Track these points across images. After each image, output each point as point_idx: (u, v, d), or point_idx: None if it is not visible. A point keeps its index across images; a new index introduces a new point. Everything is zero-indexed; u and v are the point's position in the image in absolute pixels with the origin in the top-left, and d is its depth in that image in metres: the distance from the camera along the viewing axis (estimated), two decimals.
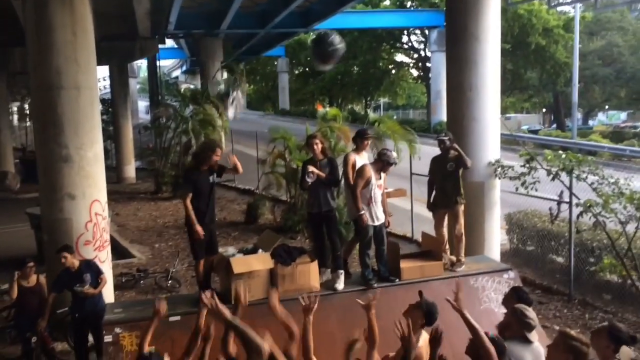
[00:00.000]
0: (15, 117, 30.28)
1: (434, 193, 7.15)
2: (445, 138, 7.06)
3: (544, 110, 43.63)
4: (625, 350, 3.36)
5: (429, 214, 7.36)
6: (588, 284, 8.57)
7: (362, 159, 6.66)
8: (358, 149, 6.73)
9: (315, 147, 6.40)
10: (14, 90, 24.48)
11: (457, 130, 8.34)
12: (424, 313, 4.25)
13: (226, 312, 3.32)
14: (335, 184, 6.49)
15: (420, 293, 4.39)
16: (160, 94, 24.06)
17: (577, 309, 8.11)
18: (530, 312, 4.07)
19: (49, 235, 7.22)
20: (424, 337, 4.27)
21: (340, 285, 6.18)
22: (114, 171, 18.93)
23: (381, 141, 10.58)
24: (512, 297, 4.47)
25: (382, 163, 6.31)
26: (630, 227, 6.95)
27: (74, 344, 6.52)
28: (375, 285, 6.23)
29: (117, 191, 16.82)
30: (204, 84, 22.84)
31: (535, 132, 30.10)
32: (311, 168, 6.21)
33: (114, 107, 20.00)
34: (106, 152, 21.27)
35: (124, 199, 16.26)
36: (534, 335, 4.01)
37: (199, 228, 5.68)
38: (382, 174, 6.39)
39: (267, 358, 3.08)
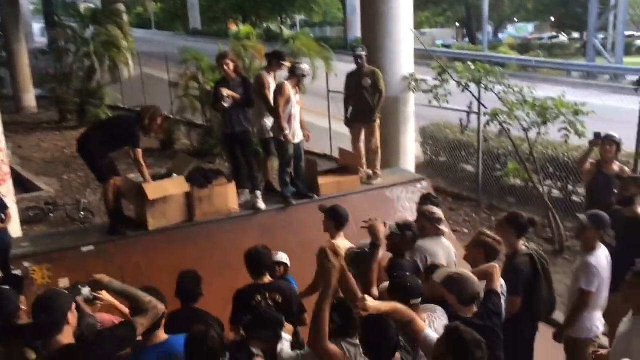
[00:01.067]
0: None
1: (350, 108, 7.17)
2: (362, 53, 7.01)
3: (457, 24, 44.26)
4: (441, 271, 3.59)
5: (347, 132, 7.41)
6: (494, 189, 9.13)
7: (274, 80, 6.50)
8: (271, 69, 6.55)
9: (225, 67, 6.16)
10: None
11: (371, 45, 8.27)
12: (332, 219, 4.48)
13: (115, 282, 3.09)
14: (249, 104, 6.32)
15: (320, 207, 4.65)
16: (56, 15, 22.07)
17: (484, 213, 8.66)
18: (434, 208, 4.41)
19: None
20: (345, 243, 4.45)
21: (261, 204, 6.19)
22: (11, 101, 17.45)
23: (297, 59, 10.37)
24: (424, 203, 4.72)
25: (297, 78, 6.18)
26: (532, 134, 7.33)
27: None
28: (294, 202, 6.30)
29: (17, 122, 15.62)
30: (105, 3, 21.16)
31: (448, 46, 30.60)
32: (226, 92, 5.99)
33: (4, 31, 18.12)
34: (0, 80, 19.66)
35: (25, 130, 15.15)
36: (444, 227, 4.39)
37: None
38: (297, 90, 6.27)
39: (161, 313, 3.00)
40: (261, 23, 42.83)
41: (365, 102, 6.96)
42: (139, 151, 5.47)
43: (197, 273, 3.83)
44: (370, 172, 7.03)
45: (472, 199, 9.12)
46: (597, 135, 5.64)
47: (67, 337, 2.66)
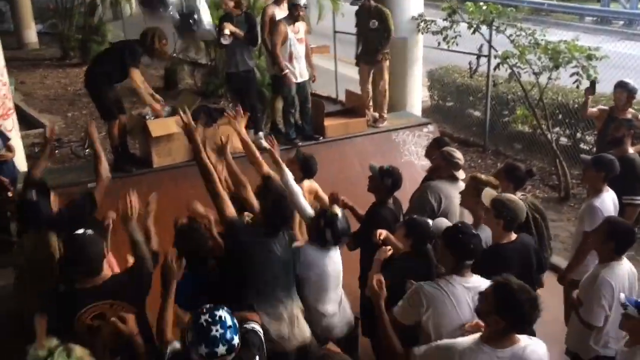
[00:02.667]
0: None
1: (360, 47, 7.01)
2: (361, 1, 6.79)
3: None
4: (488, 191, 3.63)
5: (353, 74, 7.28)
6: (501, 135, 9.05)
7: (283, 13, 6.32)
8: (279, 1, 6.37)
9: (225, 6, 6.03)
10: None
11: None
12: (301, 168, 4.49)
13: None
14: (253, 42, 6.20)
15: (296, 150, 4.72)
16: None
17: (490, 159, 8.62)
18: (457, 153, 4.30)
19: None
20: (308, 186, 4.51)
21: (266, 144, 6.14)
22: (12, 36, 17.12)
23: None
24: (435, 146, 4.66)
25: (293, 9, 5.98)
26: (543, 78, 7.18)
27: None
28: (300, 143, 6.27)
29: (19, 58, 15.38)
30: None
31: None
32: (227, 29, 5.85)
33: None
34: (0, 14, 19.22)
35: (27, 67, 14.93)
36: (460, 174, 4.26)
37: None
38: (302, 28, 6.11)
39: None
40: None
41: (372, 43, 6.81)
42: (137, 71, 5.24)
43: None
44: (376, 114, 6.96)
45: (478, 145, 9.06)
46: (592, 83, 5.76)
47: (106, 269, 2.97)
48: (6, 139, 6.08)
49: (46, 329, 2.83)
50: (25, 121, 9.85)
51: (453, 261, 3.00)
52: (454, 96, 10.14)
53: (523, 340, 2.54)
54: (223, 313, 2.54)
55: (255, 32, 6.12)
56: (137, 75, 5.26)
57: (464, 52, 8.84)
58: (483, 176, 3.88)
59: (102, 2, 15.14)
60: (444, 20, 8.27)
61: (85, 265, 2.86)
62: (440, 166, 4.27)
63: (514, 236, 3.42)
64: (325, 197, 4.55)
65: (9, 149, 6.11)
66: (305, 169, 4.51)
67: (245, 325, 2.80)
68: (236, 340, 2.52)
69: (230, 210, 3.38)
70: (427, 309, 2.92)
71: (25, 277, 3.71)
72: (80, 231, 2.96)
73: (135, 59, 5.26)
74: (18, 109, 7.75)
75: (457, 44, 8.34)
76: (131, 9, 16.85)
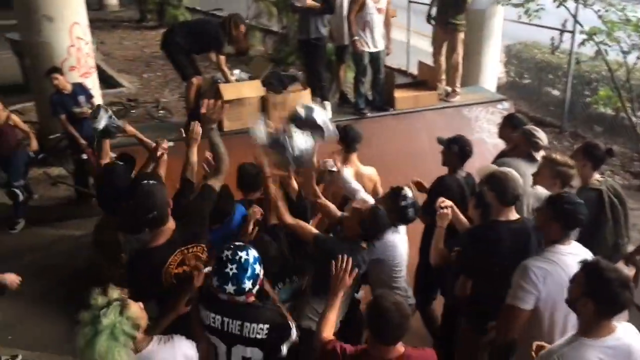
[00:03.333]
0: None
1: (435, 11, 6.76)
2: None
3: None
4: (485, 167, 3.45)
5: (426, 47, 7.07)
6: (581, 116, 8.61)
7: None
8: None
9: None
10: None
11: None
12: (341, 140, 4.19)
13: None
14: (329, 10, 6.11)
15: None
16: None
17: (567, 141, 8.24)
18: (540, 132, 4.04)
19: (31, 60, 7.02)
20: (358, 168, 4.27)
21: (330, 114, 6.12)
22: None
23: None
24: (507, 125, 4.43)
25: None
26: (632, 58, 6.74)
27: (73, 167, 6.63)
28: (369, 114, 6.20)
29: (100, 19, 15.92)
30: None
31: None
32: None
33: None
34: None
35: (107, 27, 15.47)
36: (540, 155, 3.99)
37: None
38: None
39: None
40: None
41: (450, 13, 6.57)
42: (223, 57, 5.65)
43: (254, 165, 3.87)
44: (449, 88, 6.76)
45: (554, 125, 8.66)
46: None
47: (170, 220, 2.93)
48: (90, 95, 6.35)
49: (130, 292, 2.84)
50: (105, 80, 10.24)
51: (558, 230, 2.85)
52: (532, 73, 9.71)
53: (619, 326, 2.39)
54: (247, 256, 2.57)
55: (331, 0, 6.03)
56: (222, 59, 5.69)
57: (547, 27, 8.40)
58: (558, 156, 3.61)
59: None
60: None
61: (151, 212, 2.82)
62: (519, 144, 4.06)
63: (515, 216, 3.19)
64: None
65: (92, 106, 6.36)
66: (344, 140, 4.17)
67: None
68: (248, 285, 2.54)
69: (311, 229, 3.36)
70: (542, 285, 2.78)
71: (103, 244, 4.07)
72: (145, 181, 3.04)
73: (221, 45, 5.66)
74: (98, 68, 8.03)
75: (539, 18, 7.93)
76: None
